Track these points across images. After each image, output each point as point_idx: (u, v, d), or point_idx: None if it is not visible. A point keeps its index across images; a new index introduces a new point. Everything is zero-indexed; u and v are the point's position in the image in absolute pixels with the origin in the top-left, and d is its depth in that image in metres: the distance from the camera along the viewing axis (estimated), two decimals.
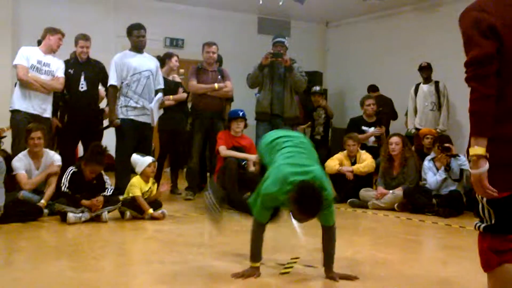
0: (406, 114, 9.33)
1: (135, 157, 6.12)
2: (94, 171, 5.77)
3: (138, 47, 7.11)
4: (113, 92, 6.99)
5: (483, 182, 2.20)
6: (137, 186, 5.91)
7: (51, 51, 6.81)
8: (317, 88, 10.27)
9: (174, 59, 8.07)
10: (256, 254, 3.69)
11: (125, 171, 6.71)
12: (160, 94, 7.14)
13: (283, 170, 3.53)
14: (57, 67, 6.82)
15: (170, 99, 7.71)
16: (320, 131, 10.01)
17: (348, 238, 5.06)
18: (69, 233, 5.25)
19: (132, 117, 6.96)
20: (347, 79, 12.54)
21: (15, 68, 6.69)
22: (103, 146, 5.91)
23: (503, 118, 2.22)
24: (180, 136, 7.97)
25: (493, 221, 2.31)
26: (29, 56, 6.64)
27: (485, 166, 2.19)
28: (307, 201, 3.30)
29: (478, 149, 2.20)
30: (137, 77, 6.97)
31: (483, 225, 2.35)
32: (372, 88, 10.63)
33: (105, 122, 7.50)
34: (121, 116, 6.95)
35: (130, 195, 5.89)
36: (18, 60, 6.64)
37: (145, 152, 6.43)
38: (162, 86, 7.24)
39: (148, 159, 6.04)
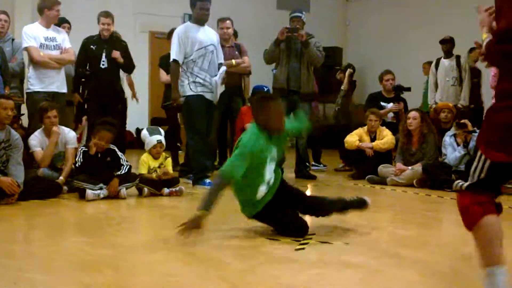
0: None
1: (144, 133, 6.13)
2: (102, 138, 5.74)
3: (200, 20, 6.58)
4: (176, 68, 6.47)
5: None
6: (144, 165, 5.97)
7: (51, 24, 6.80)
8: None
9: None
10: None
11: (200, 152, 6.37)
12: (223, 68, 6.68)
13: None
14: (62, 38, 6.84)
15: None
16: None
17: (366, 215, 5.02)
18: (87, 210, 5.30)
19: (201, 93, 6.47)
20: (367, 55, 12.40)
21: (26, 51, 6.69)
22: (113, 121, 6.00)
23: None
24: None
25: (476, 179, 2.35)
26: (35, 35, 6.64)
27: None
28: None
29: None
30: (202, 52, 6.46)
31: (466, 184, 2.34)
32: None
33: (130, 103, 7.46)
34: (190, 93, 6.43)
35: (138, 172, 5.97)
36: (27, 42, 6.63)
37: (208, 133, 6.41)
38: (222, 61, 6.78)
39: (154, 139, 5.96)
